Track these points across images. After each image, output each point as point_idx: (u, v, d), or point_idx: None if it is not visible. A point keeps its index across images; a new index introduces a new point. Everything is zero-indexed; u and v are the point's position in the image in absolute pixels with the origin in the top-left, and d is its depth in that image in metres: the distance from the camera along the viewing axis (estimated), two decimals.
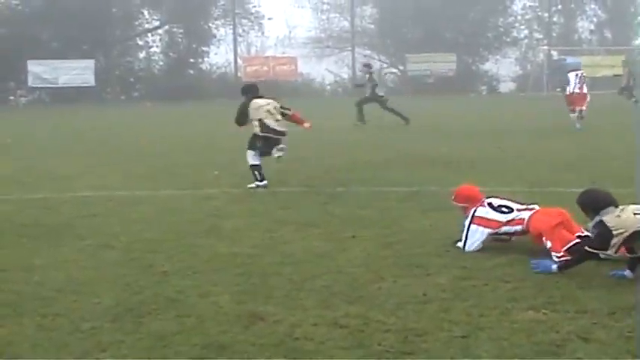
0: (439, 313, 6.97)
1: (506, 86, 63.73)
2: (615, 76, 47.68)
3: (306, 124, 15.64)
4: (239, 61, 60.01)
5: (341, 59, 64.28)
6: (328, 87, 62.29)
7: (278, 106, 14.92)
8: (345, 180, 14.99)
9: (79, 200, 13.38)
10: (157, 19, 60.72)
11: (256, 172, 14.56)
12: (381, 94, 29.36)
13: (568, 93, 26.76)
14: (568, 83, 26.89)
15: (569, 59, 57.76)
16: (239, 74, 59.04)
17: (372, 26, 65.39)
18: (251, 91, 15.53)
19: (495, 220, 9.27)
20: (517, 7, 65.52)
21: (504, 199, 9.64)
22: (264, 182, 14.46)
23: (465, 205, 9.62)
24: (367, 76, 30.20)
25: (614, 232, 7.87)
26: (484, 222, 9.27)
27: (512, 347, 6.17)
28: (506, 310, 7.02)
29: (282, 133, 14.92)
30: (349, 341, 6.35)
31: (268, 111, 14.82)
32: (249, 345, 6.28)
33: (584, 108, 26.16)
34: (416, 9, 60.48)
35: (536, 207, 9.30)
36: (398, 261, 8.76)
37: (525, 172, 15.61)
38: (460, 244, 9.29)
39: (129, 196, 13.80)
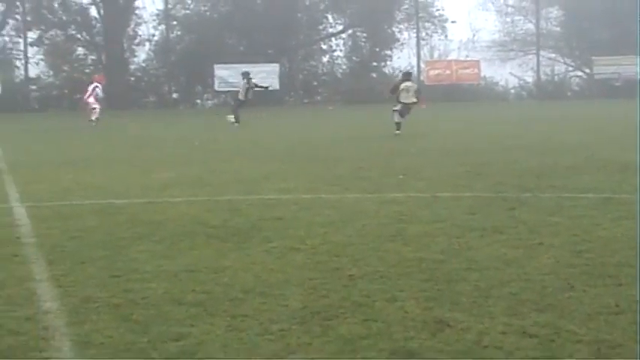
0: (632, 326, 6.72)
1: None
2: None
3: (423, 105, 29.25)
4: (422, 65, 59.94)
5: (525, 62, 63.36)
6: (512, 91, 61.47)
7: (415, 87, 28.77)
8: (533, 185, 14.70)
9: (265, 203, 13.57)
10: (341, 24, 61.34)
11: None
12: None
13: None
14: None
15: None
16: (422, 78, 58.99)
17: (558, 28, 64.19)
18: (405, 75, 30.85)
19: None
20: None
21: None
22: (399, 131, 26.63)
23: None
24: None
25: None
26: None
27: None
28: None
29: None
30: (539, 351, 6.19)
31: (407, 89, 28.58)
32: (437, 352, 6.20)
33: None
34: (604, 9, 58.95)
35: None
36: (588, 270, 8.51)
37: None
38: None
39: (314, 199, 13.91)
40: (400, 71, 59.66)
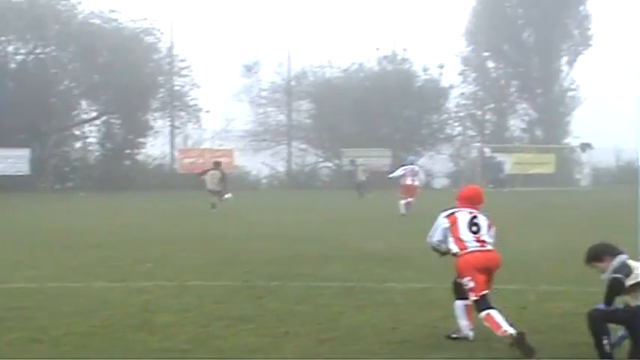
0: None
1: (440, 182, 64.34)
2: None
3: None
4: (175, 153, 59.98)
5: (277, 152, 64.48)
6: (264, 180, 62.39)
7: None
8: (281, 274, 14.90)
9: (10, 292, 13.13)
10: (95, 110, 60.64)
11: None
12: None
13: (402, 184, 31.65)
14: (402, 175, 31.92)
15: (497, 156, 58.96)
16: (175, 166, 58.97)
17: (309, 120, 65.89)
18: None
19: None
20: (451, 104, 66.57)
21: None
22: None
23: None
24: None
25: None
26: None
27: None
28: None
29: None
30: None
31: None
32: None
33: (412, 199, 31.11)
34: (353, 105, 61.16)
35: None
36: (332, 358, 8.69)
37: None
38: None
39: (60, 287, 13.58)
40: (154, 159, 59.73)
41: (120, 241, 21.25)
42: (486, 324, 9.34)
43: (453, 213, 10.12)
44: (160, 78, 61.05)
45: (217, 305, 11.79)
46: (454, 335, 9.71)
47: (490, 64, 69.76)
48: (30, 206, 37.39)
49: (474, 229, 9.94)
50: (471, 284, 9.57)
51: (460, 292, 9.79)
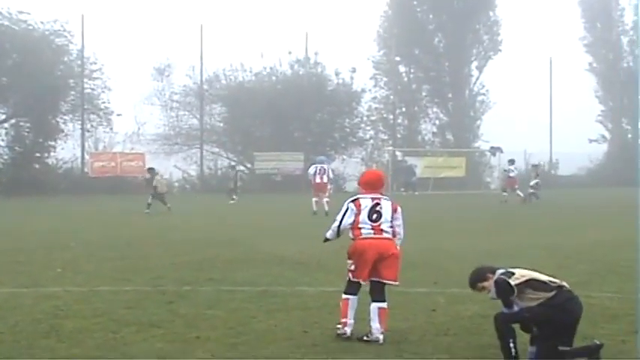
0: None
1: (352, 185, 64.65)
2: None
3: None
4: (86, 157, 59.27)
5: (189, 156, 64.17)
6: (176, 184, 62.00)
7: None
8: (192, 279, 14.86)
9: None
10: (4, 113, 59.58)
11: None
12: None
13: (313, 183, 33.87)
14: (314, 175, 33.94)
15: (408, 159, 59.57)
16: (86, 169, 58.26)
17: (221, 124, 65.71)
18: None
19: None
20: (363, 108, 67.00)
21: None
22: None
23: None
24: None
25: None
26: None
27: None
28: None
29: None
30: None
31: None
32: None
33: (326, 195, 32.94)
34: (265, 108, 61.19)
35: None
36: None
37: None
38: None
39: None
40: (64, 162, 58.92)
41: (29, 246, 20.93)
42: (340, 304, 10.26)
43: (357, 199, 10.57)
44: (71, 80, 60.22)
45: (127, 310, 11.71)
46: (365, 338, 9.80)
47: (402, 69, 70.47)
48: None
49: (375, 216, 10.35)
50: (352, 267, 10.27)
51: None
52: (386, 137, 68.39)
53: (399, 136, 68.77)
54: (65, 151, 59.61)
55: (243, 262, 17.41)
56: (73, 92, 60.20)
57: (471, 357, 9.00)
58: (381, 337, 9.82)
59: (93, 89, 60.55)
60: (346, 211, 10.51)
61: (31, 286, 14.14)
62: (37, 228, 26.96)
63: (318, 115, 63.95)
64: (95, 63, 60.48)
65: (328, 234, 10.79)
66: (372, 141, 68.06)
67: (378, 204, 10.44)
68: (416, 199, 47.91)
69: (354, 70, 65.33)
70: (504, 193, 43.00)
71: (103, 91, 60.32)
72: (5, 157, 58.69)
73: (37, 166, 58.21)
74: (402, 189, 56.08)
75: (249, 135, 63.02)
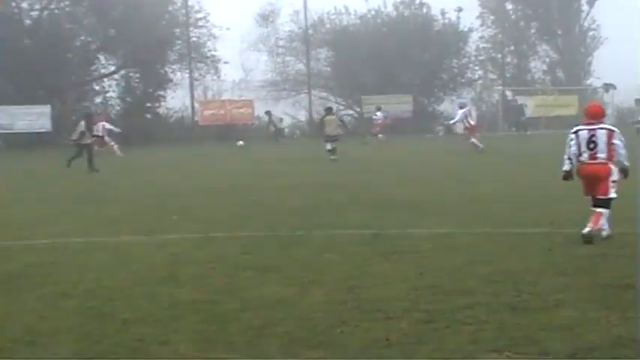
0: (402, 358, 6.93)
1: (461, 126, 64.05)
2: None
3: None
4: (196, 105, 59.93)
5: (298, 101, 64.49)
6: (285, 130, 62.35)
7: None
8: (305, 223, 14.90)
9: (36, 248, 13.20)
10: (113, 64, 60.55)
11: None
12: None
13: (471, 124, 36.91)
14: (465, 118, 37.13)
15: (518, 99, 58.63)
16: (196, 118, 58.94)
17: (328, 69, 65.69)
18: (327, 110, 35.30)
19: None
20: (471, 48, 66.24)
21: None
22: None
23: None
24: None
25: None
26: None
27: None
28: (468, 353, 7.00)
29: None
30: None
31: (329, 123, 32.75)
32: None
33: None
34: (371, 52, 60.90)
35: None
36: (359, 305, 8.71)
37: (484, 213, 15.64)
38: None
39: (86, 242, 13.65)
40: (174, 112, 59.69)
41: (144, 195, 21.34)
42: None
43: (577, 131, 12.46)
44: (177, 30, 60.86)
45: (243, 256, 11.82)
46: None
47: (509, 6, 69.26)
48: (53, 163, 37.47)
49: (591, 145, 12.23)
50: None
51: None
52: (495, 77, 67.60)
53: (508, 75, 67.85)
54: (175, 100, 60.39)
55: (354, 206, 17.42)
56: (179, 42, 60.82)
57: (588, 297, 8.84)
58: (585, 230, 11.88)
59: (199, 38, 61.07)
60: (570, 141, 12.43)
61: (149, 233, 14.37)
62: (150, 177, 27.41)
63: (424, 57, 63.42)
64: (200, 11, 60.98)
65: (565, 167, 12.57)
66: (480, 81, 67.42)
67: (593, 135, 12.24)
68: (527, 138, 47.27)
69: (460, 10, 64.56)
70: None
71: (209, 40, 60.80)
72: (117, 108, 59.74)
73: (148, 116, 59.13)
74: (514, 129, 55.31)
75: (356, 79, 62.89)
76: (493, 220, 14.50)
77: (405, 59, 61.55)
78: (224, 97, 61.87)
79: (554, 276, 9.89)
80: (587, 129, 12.34)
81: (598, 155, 12.21)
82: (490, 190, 19.85)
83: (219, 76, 61.70)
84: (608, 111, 63.04)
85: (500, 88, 63.72)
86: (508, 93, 62.17)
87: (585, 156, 12.29)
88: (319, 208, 17.30)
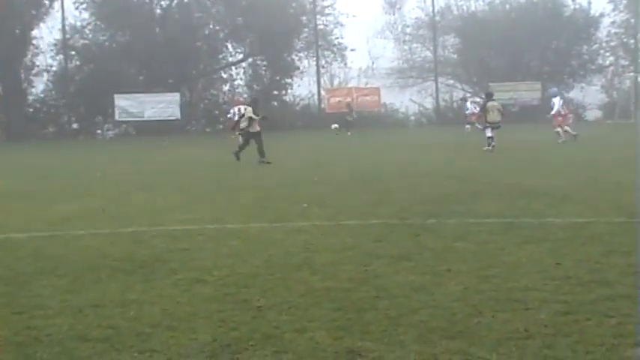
0: (542, 350, 6.77)
1: (592, 114, 62.90)
2: None
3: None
4: (322, 93, 60.22)
5: (424, 89, 64.23)
6: (412, 117, 62.11)
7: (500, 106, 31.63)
8: (437, 211, 14.77)
9: (170, 234, 13.38)
10: (241, 52, 61.33)
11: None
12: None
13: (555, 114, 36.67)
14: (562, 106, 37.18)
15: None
16: (322, 105, 59.22)
17: (455, 56, 65.22)
18: (488, 95, 33.26)
19: None
20: (602, 34, 64.83)
21: None
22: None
23: None
24: None
25: None
26: None
27: None
28: (612, 346, 6.79)
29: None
30: None
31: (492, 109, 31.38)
32: None
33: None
34: (499, 38, 60.20)
35: None
36: (496, 295, 8.56)
37: (621, 203, 15.25)
38: None
39: (219, 229, 13.77)
40: (301, 99, 60.11)
41: (272, 183, 21.49)
42: None
43: None
44: (304, 18, 61.22)
45: (376, 243, 11.76)
46: None
47: None
48: (182, 150, 38.17)
49: None
50: None
51: None
52: (627, 63, 65.93)
53: None
54: (301, 88, 60.80)
55: (486, 195, 17.20)
56: (306, 29, 61.21)
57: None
58: None
59: (325, 25, 61.36)
60: None
61: (280, 221, 14.44)
62: (276, 165, 27.58)
63: (554, 43, 62.42)
64: None
65: None
66: (612, 67, 65.84)
67: None
68: None
69: None
70: None
71: (336, 27, 61.02)
72: (245, 95, 60.45)
73: (275, 103, 59.68)
74: None
75: (484, 65, 62.28)
76: (629, 210, 14.13)
77: (534, 46, 60.69)
78: (350, 85, 62.00)
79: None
80: None
81: None
82: (621, 179, 19.32)
83: (345, 64, 61.97)
84: None
85: (632, 74, 62.18)
86: None
87: None
88: (449, 197, 17.13)
